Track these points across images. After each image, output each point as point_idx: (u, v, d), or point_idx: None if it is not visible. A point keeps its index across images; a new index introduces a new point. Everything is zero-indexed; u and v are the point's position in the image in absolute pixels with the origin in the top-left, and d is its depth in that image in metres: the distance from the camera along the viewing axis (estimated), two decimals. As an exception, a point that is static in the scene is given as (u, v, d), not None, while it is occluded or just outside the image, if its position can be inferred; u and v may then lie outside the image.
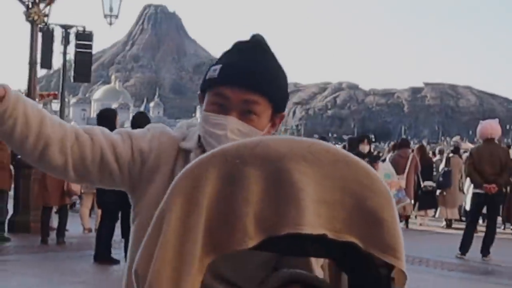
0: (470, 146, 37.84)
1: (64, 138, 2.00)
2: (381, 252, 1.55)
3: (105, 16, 14.99)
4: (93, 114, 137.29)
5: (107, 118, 10.85)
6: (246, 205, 1.54)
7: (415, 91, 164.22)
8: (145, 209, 2.05)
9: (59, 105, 28.13)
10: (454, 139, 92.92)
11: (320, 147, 1.64)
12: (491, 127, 12.65)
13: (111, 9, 14.81)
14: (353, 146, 12.56)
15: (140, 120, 10.44)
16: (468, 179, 13.26)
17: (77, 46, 20.74)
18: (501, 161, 11.76)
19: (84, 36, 20.48)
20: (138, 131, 2.20)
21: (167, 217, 1.58)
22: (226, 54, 2.16)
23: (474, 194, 12.17)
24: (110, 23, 15.84)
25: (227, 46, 2.24)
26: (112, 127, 10.18)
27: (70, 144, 2.00)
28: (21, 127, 1.93)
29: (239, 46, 2.17)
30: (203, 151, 2.02)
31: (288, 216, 1.51)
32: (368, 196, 1.57)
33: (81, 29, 20.45)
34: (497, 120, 13.67)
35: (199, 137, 2.14)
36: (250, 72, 2.03)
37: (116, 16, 15.09)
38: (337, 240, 1.56)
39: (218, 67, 2.06)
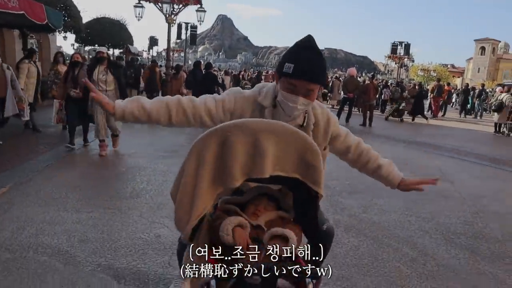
0: (340, 73, 35.68)
1: (170, 112, 1.39)
2: (312, 183, 1.19)
3: (198, 21, 13.79)
4: (197, 56, 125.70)
5: (209, 65, 9.15)
6: (233, 160, 1.13)
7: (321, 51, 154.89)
8: None
9: (183, 53, 28.91)
10: (334, 70, 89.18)
11: (277, 124, 1.18)
12: (352, 70, 11.66)
13: (200, 18, 13.52)
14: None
15: (196, 63, 9.13)
16: (342, 91, 12.22)
17: (191, 31, 21.57)
18: (355, 85, 10.94)
19: (194, 27, 21.48)
20: (224, 96, 1.44)
21: (186, 166, 1.15)
22: (294, 54, 1.34)
23: (343, 97, 11.48)
24: (200, 24, 14.50)
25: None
26: (198, 67, 8.86)
27: (174, 114, 1.39)
28: (139, 119, 1.39)
29: (301, 48, 1.35)
30: (275, 108, 1.41)
31: (257, 166, 1.13)
32: (306, 152, 1.17)
33: (192, 24, 21.54)
34: (354, 67, 13.11)
35: (274, 99, 1.41)
36: (312, 71, 1.32)
37: (203, 21, 13.92)
38: (287, 176, 1.18)
39: (292, 65, 1.32)
